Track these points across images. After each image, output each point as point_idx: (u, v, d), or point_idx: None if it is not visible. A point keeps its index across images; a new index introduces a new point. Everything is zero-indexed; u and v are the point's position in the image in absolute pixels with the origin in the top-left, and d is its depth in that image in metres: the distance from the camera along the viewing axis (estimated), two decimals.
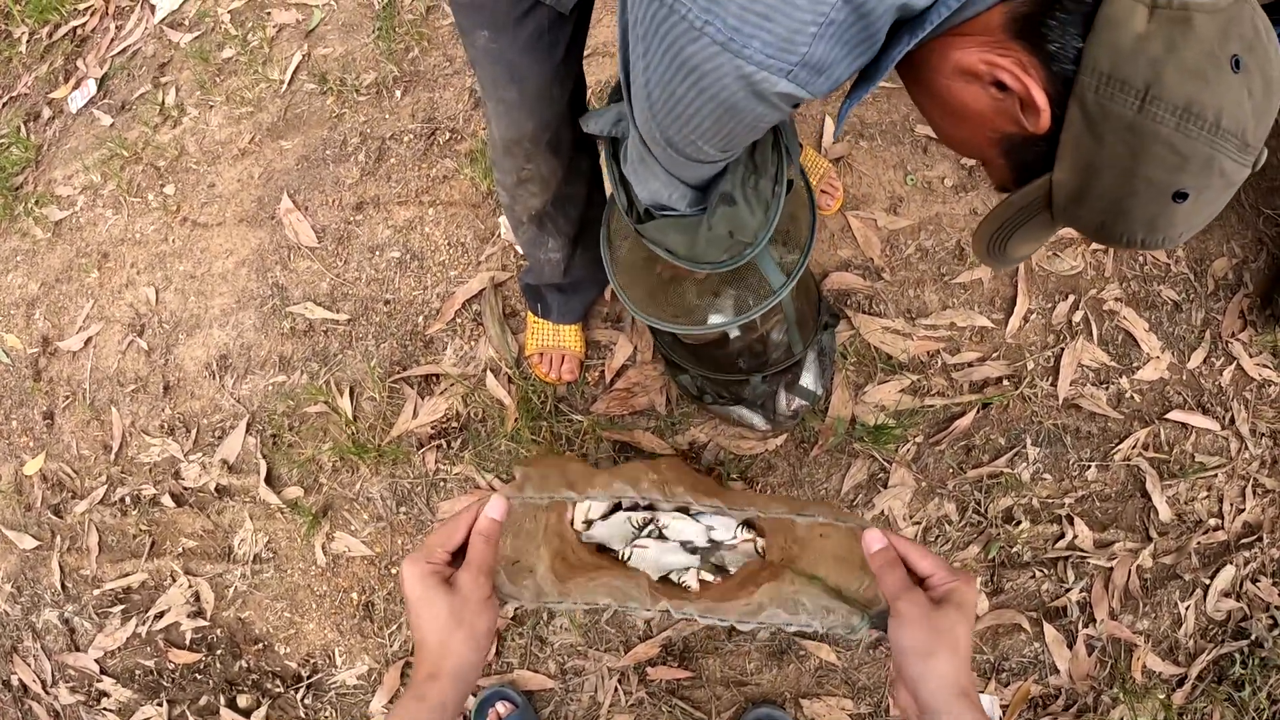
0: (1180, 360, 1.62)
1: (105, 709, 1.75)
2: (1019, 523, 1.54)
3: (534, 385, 1.55)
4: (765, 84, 0.54)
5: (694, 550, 1.04)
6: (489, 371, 1.58)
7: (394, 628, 1.55)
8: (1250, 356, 1.61)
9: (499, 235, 1.66)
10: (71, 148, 2.11)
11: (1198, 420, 1.57)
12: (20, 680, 1.82)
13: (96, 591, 1.79)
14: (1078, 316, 1.63)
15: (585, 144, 1.12)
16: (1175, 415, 1.57)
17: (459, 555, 0.63)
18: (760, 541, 1.02)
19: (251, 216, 1.85)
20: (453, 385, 1.59)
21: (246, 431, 1.70)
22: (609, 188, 1.04)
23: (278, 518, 1.65)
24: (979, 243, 0.65)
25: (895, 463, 1.55)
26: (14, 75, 2.29)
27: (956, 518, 1.54)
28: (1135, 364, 1.61)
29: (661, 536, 1.05)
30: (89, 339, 1.91)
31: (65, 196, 2.06)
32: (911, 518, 1.54)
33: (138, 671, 1.74)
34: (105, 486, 1.82)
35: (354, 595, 1.59)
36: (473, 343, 1.61)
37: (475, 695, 1.50)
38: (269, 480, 1.66)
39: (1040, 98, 0.51)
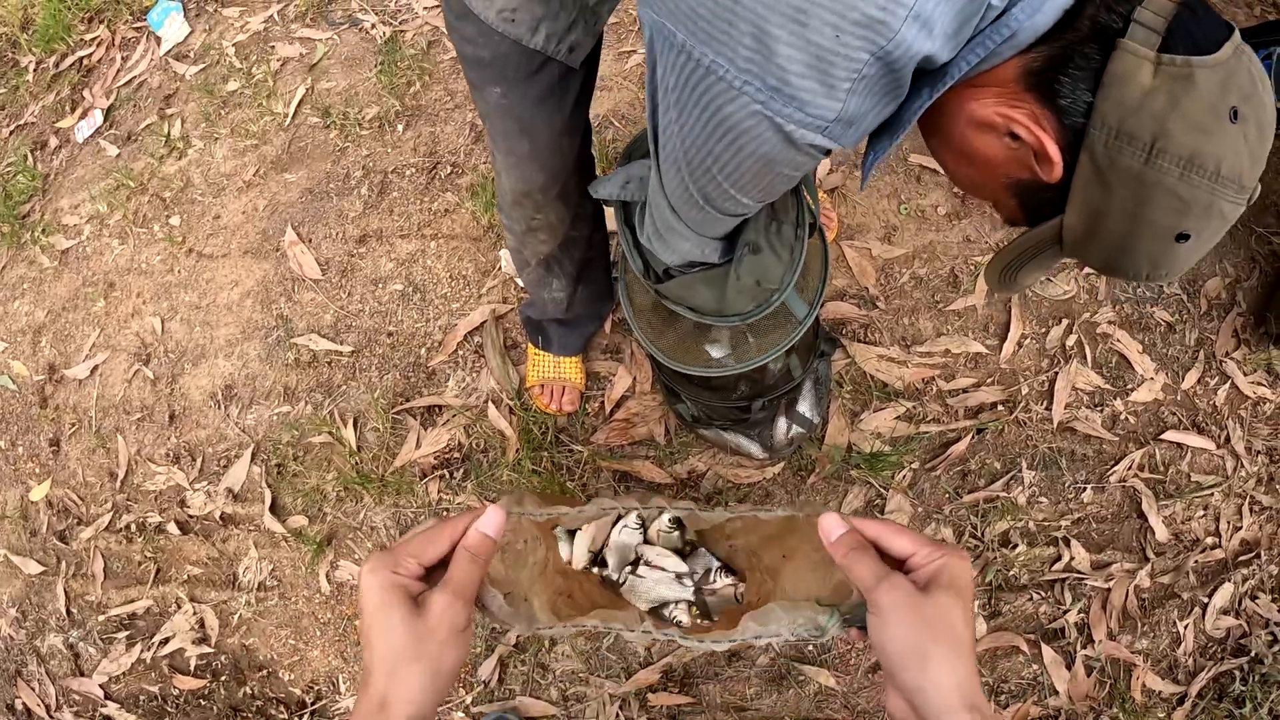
0: (1174, 381, 1.64)
1: None
2: (1016, 546, 1.56)
3: (535, 416, 1.58)
4: (803, 139, 0.55)
5: (685, 582, 1.07)
6: (490, 402, 1.61)
7: None
8: (1245, 375, 1.63)
9: (499, 268, 1.69)
10: (78, 177, 2.15)
11: (1193, 440, 1.59)
12: (24, 705, 1.84)
13: (101, 617, 1.81)
14: (1071, 340, 1.66)
15: (571, 188, 1.15)
16: (1170, 435, 1.59)
17: (434, 572, 0.52)
18: (740, 587, 1.04)
19: (256, 248, 1.88)
20: (455, 416, 1.62)
21: (251, 461, 1.73)
22: (617, 241, 1.08)
23: (282, 546, 1.68)
24: (992, 274, 0.69)
25: (892, 489, 1.57)
26: (21, 104, 2.32)
27: (954, 542, 1.56)
28: (1129, 386, 1.64)
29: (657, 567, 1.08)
30: (95, 367, 1.93)
31: (72, 226, 2.09)
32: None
33: (142, 697, 1.76)
34: (111, 513, 1.84)
35: (358, 623, 1.61)
36: (474, 374, 1.64)
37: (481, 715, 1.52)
38: (274, 509, 1.68)
39: (1054, 150, 0.54)
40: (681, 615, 1.08)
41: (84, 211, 2.09)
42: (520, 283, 1.67)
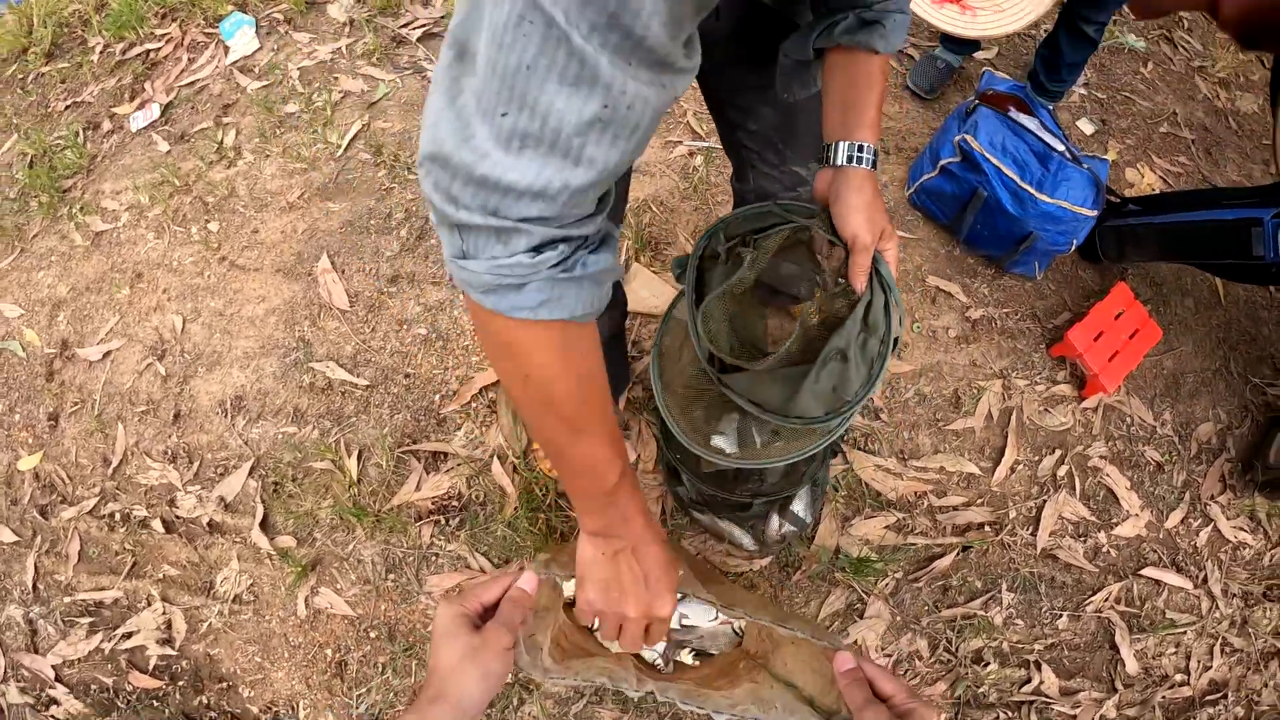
0: (1159, 519, 1.71)
1: (53, 716, 1.76)
2: (988, 664, 1.60)
3: (537, 477, 1.66)
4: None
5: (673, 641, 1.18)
6: (496, 458, 1.68)
7: (363, 690, 1.61)
8: (1228, 519, 1.71)
9: None
10: (125, 164, 2.21)
11: (1171, 578, 1.65)
12: None
13: (67, 599, 1.82)
14: (1062, 471, 1.73)
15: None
16: (1149, 572, 1.66)
17: (488, 614, 0.70)
18: (739, 623, 1.16)
19: (289, 269, 1.95)
20: (459, 465, 1.69)
21: (249, 474, 1.78)
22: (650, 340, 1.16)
23: (265, 563, 1.72)
24: None
25: (874, 595, 1.61)
26: (81, 82, 2.39)
27: (927, 654, 1.60)
28: (1114, 520, 1.70)
29: None
30: (109, 352, 1.98)
31: (110, 210, 2.14)
32: (884, 650, 1.60)
33: (94, 687, 1.77)
34: (97, 499, 1.87)
35: (329, 652, 1.65)
36: (484, 428, 1.72)
37: None
38: (263, 525, 1.73)
39: None
40: (659, 660, 1.21)
41: (125, 199, 2.15)
42: None
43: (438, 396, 1.77)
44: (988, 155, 1.73)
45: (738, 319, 0.97)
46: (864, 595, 1.63)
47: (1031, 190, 1.72)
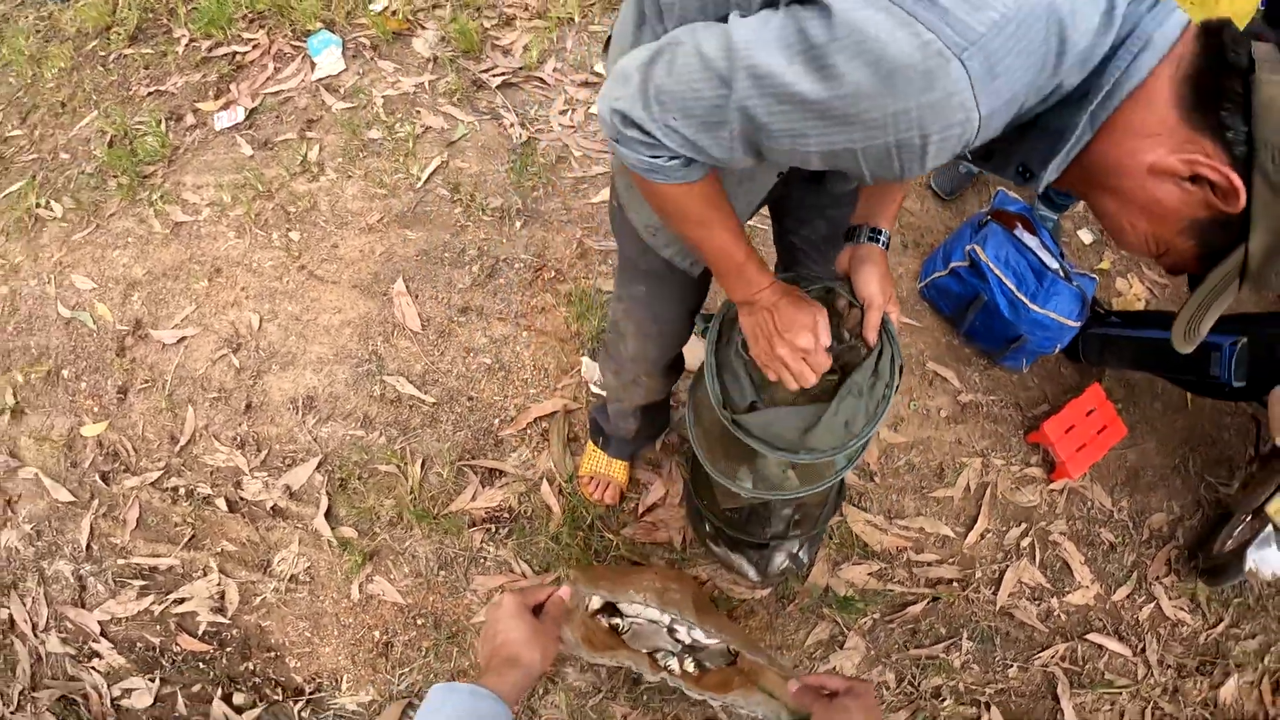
0: (1107, 592, 1.94)
1: (93, 668, 1.91)
2: (944, 700, 1.81)
3: (580, 501, 1.93)
4: (939, 56, 0.58)
5: (675, 639, 1.52)
6: (545, 480, 1.94)
7: (406, 670, 1.84)
8: (1170, 599, 1.94)
9: (580, 372, 2.05)
10: (207, 161, 2.37)
11: (1113, 644, 1.88)
12: (10, 616, 1.96)
13: (121, 561, 1.98)
14: (1025, 542, 1.98)
15: (677, 362, 1.52)
16: (1094, 637, 1.88)
17: (537, 610, 0.93)
18: (731, 643, 1.55)
19: (365, 287, 2.16)
20: (512, 483, 1.94)
21: (317, 468, 1.98)
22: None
23: (325, 549, 1.93)
24: (1179, 329, 0.72)
25: (853, 630, 1.87)
26: (165, 71, 2.53)
27: (894, 685, 1.85)
28: (1067, 589, 1.93)
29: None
30: (184, 338, 2.14)
31: (191, 203, 2.30)
32: (857, 677, 1.83)
33: (139, 645, 1.93)
34: (161, 472, 2.03)
35: (377, 634, 1.87)
36: (536, 453, 1.98)
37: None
38: (327, 515, 1.94)
39: (1238, 182, 0.59)
40: (674, 664, 1.62)
41: (206, 195, 2.31)
42: (596, 388, 2.03)
43: (497, 420, 2.01)
44: (992, 266, 2.01)
45: (755, 367, 1.08)
46: (845, 629, 1.89)
47: (1026, 300, 2.02)
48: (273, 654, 1.91)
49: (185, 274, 2.22)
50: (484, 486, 1.94)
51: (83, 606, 1.97)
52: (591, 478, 1.90)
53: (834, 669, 1.87)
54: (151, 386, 2.11)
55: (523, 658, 0.83)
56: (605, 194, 2.30)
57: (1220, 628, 1.92)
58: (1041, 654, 1.86)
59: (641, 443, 1.89)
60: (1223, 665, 1.87)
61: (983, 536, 1.97)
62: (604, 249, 2.23)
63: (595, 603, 1.61)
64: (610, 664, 1.54)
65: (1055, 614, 1.92)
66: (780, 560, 1.86)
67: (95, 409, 2.12)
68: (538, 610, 0.92)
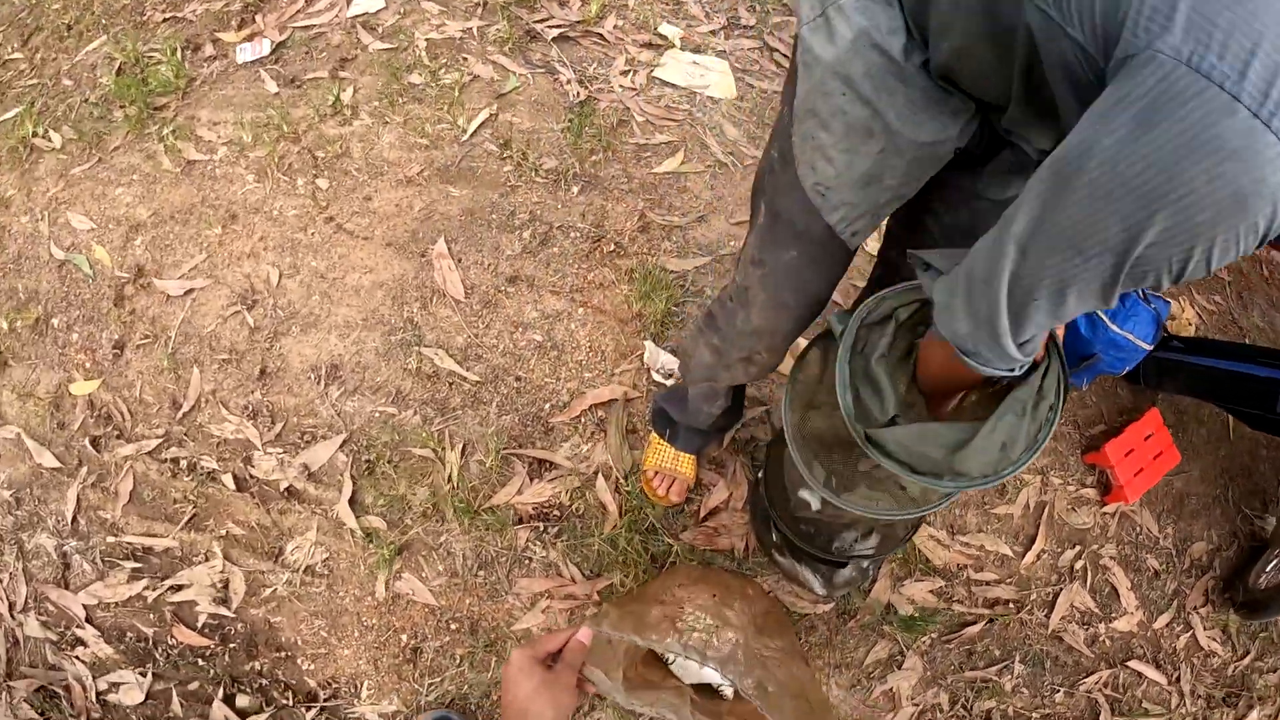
0: (1149, 619, 1.91)
1: (77, 657, 1.69)
2: None
3: (639, 500, 1.72)
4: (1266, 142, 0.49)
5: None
6: (600, 475, 1.73)
7: (436, 679, 1.63)
8: (1204, 629, 1.91)
9: (641, 357, 1.84)
10: (226, 95, 2.12)
11: (1151, 672, 1.85)
12: None
13: (111, 539, 1.75)
14: (1079, 565, 1.92)
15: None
16: (1134, 664, 1.85)
17: (552, 660, 0.85)
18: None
19: (402, 245, 1.93)
20: (563, 476, 1.73)
21: (340, 447, 1.75)
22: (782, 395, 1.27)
23: (347, 539, 1.71)
24: None
25: (912, 650, 1.77)
26: None
27: (947, 708, 1.76)
28: (1114, 614, 1.89)
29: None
30: (191, 290, 1.90)
31: (206, 140, 2.05)
32: (912, 699, 1.76)
33: (130, 635, 1.70)
34: (160, 440, 1.80)
35: (404, 637, 1.66)
36: (591, 444, 1.77)
37: (420, 715, 1.60)
38: (351, 501, 1.71)
39: None
40: (727, 691, 1.42)
41: (224, 133, 2.06)
42: (659, 376, 1.82)
43: (547, 405, 1.80)
44: None
45: (904, 379, 0.98)
46: (904, 649, 1.78)
47: (1106, 320, 1.92)
48: (282, 653, 1.68)
49: (196, 218, 1.97)
50: (531, 479, 1.73)
51: (66, 587, 1.74)
52: (657, 472, 1.70)
53: (891, 689, 1.74)
54: (152, 342, 1.86)
55: (530, 712, 0.78)
56: (669, 164, 2.09)
57: (1247, 660, 1.89)
58: (1087, 679, 1.81)
59: (714, 436, 1.69)
60: (1247, 698, 1.85)
61: (1039, 557, 1.90)
62: (667, 224, 2.02)
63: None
64: (648, 712, 1.35)
65: (1101, 639, 1.87)
66: (848, 573, 1.70)
67: (87, 364, 1.87)
68: (557, 656, 0.86)
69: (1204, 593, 1.96)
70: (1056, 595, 1.88)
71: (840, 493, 1.13)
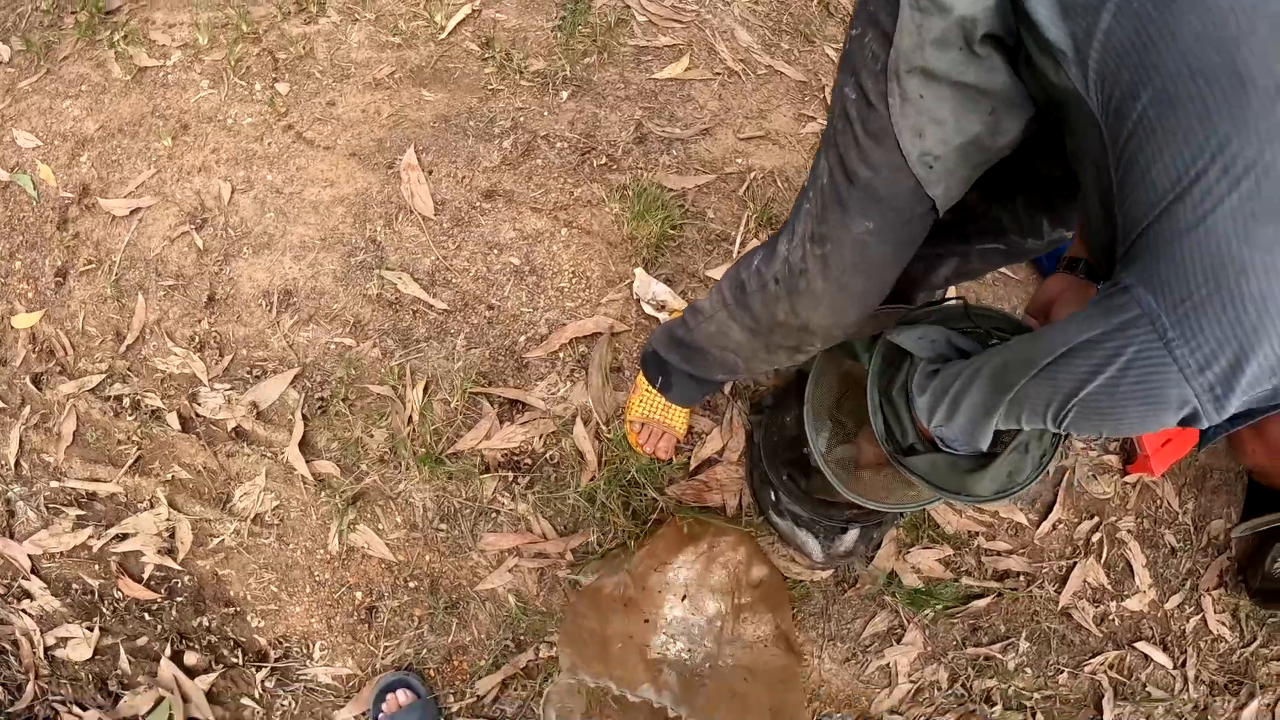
0: (1161, 599, 1.76)
1: (24, 610, 1.56)
2: (994, 704, 1.63)
3: (622, 449, 1.49)
4: (1194, 416, 0.60)
5: None
6: (579, 419, 1.51)
7: (393, 641, 1.45)
8: (1215, 613, 1.77)
9: (630, 286, 1.59)
10: None
11: (1158, 655, 1.72)
12: None
13: (55, 484, 1.60)
14: (1095, 537, 1.74)
15: None
16: (1142, 645, 1.71)
17: None
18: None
19: (367, 156, 1.71)
20: (537, 420, 1.51)
21: (292, 383, 1.56)
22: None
23: (298, 486, 1.52)
24: (1244, 530, 0.81)
25: (913, 624, 1.61)
26: None
27: (945, 685, 1.62)
28: (1126, 593, 1.75)
29: None
30: (137, 209, 1.71)
31: (160, 44, 1.85)
32: (910, 675, 1.61)
33: (75, 587, 1.57)
34: (103, 376, 1.63)
35: (358, 594, 1.48)
36: (569, 383, 1.54)
37: (375, 680, 1.44)
38: (302, 444, 1.53)
39: None
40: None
41: (179, 35, 1.85)
42: (650, 309, 1.57)
43: (522, 338, 1.57)
44: None
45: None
46: (905, 622, 1.62)
47: None
48: (232, 609, 1.53)
49: (146, 130, 1.77)
50: (501, 422, 1.51)
51: (11, 536, 1.60)
52: (644, 424, 1.46)
53: (888, 665, 1.59)
54: (96, 268, 1.69)
55: None
56: (672, 70, 1.81)
57: (1253, 646, 1.77)
58: (1092, 660, 1.69)
59: (711, 386, 1.45)
60: (1249, 686, 1.75)
61: (1055, 527, 1.73)
62: (667, 136, 1.74)
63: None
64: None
65: (1110, 618, 1.73)
66: (850, 540, 1.49)
67: (30, 295, 1.71)
68: None
69: (1219, 573, 1.79)
70: (1070, 569, 1.72)
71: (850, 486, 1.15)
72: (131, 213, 1.71)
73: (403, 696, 1.40)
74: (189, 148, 1.75)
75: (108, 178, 1.75)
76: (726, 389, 1.54)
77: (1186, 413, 0.60)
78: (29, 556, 1.57)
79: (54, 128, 1.80)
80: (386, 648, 1.46)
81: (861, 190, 0.83)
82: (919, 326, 0.91)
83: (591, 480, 1.47)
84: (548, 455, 1.50)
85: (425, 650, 1.46)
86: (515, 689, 1.45)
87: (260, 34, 1.83)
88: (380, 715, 1.41)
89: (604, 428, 1.51)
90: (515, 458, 1.50)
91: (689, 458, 1.53)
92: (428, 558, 1.48)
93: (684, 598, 1.43)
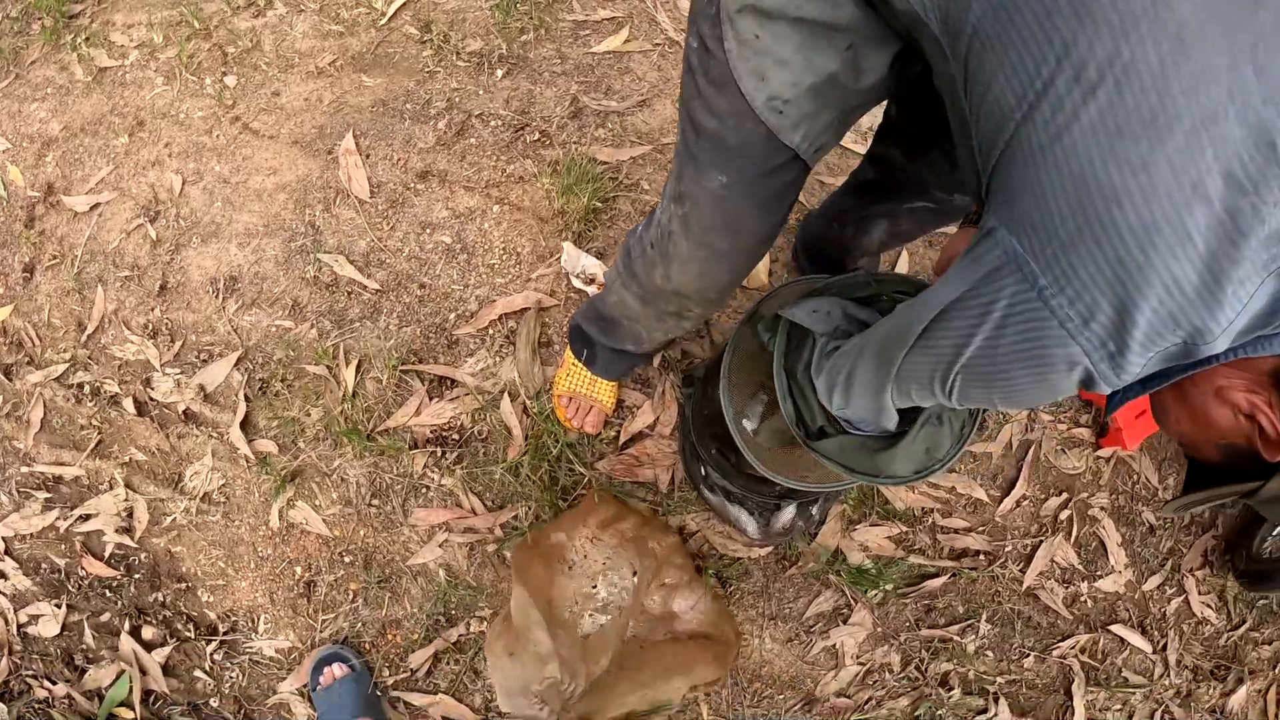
0: (1139, 579, 1.68)
1: None
2: (952, 689, 1.58)
3: (549, 424, 1.49)
4: (1092, 382, 0.55)
5: None
6: (507, 394, 1.51)
7: (330, 615, 1.49)
8: (1199, 594, 1.68)
9: (559, 261, 1.59)
10: None
11: (1135, 639, 1.64)
12: None
13: (25, 469, 1.68)
14: (1064, 515, 1.67)
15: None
16: (1117, 628, 1.64)
17: None
18: None
19: (308, 143, 1.74)
20: (465, 396, 1.52)
21: (235, 365, 1.61)
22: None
23: (241, 464, 1.57)
24: (1176, 506, 0.74)
25: (861, 603, 1.56)
26: None
27: (898, 669, 1.57)
28: (1099, 572, 1.67)
29: None
30: (97, 205, 1.78)
31: (119, 45, 1.91)
32: (858, 657, 1.57)
33: (44, 566, 1.64)
34: (67, 365, 1.70)
35: (298, 569, 1.52)
36: (498, 359, 1.54)
37: (312, 654, 1.47)
38: (244, 424, 1.57)
39: None
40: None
41: (136, 35, 1.91)
42: (579, 283, 1.57)
43: (453, 315, 1.58)
44: None
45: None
46: (852, 601, 1.57)
47: None
48: (184, 585, 1.58)
49: (105, 129, 1.84)
50: (431, 398, 1.53)
51: None
52: (571, 398, 1.46)
53: (834, 646, 1.54)
54: (60, 263, 1.76)
55: None
56: (611, 43, 1.79)
57: (1241, 630, 1.69)
58: (1061, 644, 1.63)
59: (637, 359, 1.44)
60: (1237, 671, 1.68)
61: (1018, 504, 1.64)
62: (603, 109, 1.73)
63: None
64: None
65: (1082, 599, 1.65)
66: (787, 516, 1.45)
67: (1, 291, 1.79)
68: None
69: (1203, 553, 1.70)
70: (1035, 549, 1.64)
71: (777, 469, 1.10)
72: (92, 208, 1.78)
73: (338, 669, 1.44)
74: (144, 143, 1.81)
75: (70, 176, 1.82)
76: (656, 361, 1.52)
77: (1079, 375, 0.53)
78: (2, 539, 1.65)
79: (22, 130, 1.88)
80: (325, 621, 1.50)
81: (709, 141, 0.80)
82: (812, 299, 0.86)
83: (518, 456, 1.48)
84: (475, 431, 1.51)
85: (360, 624, 1.49)
86: (447, 663, 1.47)
87: (211, 29, 1.88)
88: (318, 687, 1.45)
89: (530, 403, 1.51)
90: (444, 433, 1.52)
91: (619, 431, 1.52)
92: (362, 533, 1.51)
93: (590, 576, 1.41)
